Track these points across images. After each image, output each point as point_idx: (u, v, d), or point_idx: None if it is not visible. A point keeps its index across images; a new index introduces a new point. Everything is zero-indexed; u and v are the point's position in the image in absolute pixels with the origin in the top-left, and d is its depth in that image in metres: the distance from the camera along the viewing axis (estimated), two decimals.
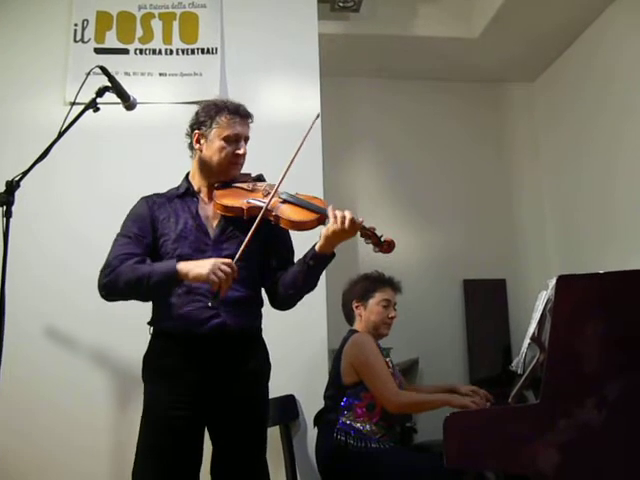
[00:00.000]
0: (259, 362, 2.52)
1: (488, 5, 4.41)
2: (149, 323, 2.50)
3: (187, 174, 2.61)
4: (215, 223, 2.50)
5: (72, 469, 3.24)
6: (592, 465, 2.32)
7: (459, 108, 5.25)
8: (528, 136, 5.31)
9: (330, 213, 2.34)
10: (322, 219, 2.40)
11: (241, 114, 2.53)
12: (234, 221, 2.47)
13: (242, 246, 2.30)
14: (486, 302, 4.96)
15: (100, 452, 3.28)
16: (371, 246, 2.47)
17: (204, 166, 2.53)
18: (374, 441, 2.97)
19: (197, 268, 2.26)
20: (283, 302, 2.54)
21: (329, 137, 3.84)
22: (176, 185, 2.61)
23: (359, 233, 2.41)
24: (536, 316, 2.66)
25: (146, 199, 2.55)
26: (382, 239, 2.46)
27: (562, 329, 2.36)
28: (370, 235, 2.43)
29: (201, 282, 2.28)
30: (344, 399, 3.04)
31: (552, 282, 2.46)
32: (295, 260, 2.52)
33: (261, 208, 2.37)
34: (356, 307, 3.26)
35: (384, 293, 3.26)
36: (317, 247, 2.37)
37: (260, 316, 2.56)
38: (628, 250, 3.93)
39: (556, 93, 5.03)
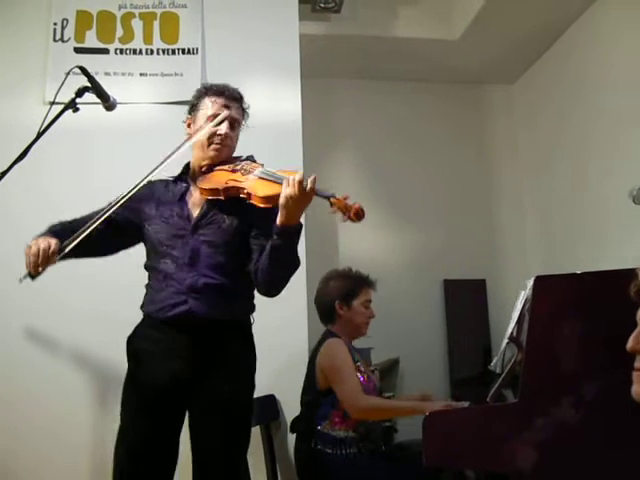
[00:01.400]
0: (233, 353, 2.45)
1: (468, 7, 4.43)
2: (141, 307, 2.52)
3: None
4: (198, 209, 2.47)
5: (55, 465, 3.23)
6: (570, 463, 2.34)
7: (439, 109, 5.28)
8: (508, 137, 5.34)
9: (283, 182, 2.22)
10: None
11: (226, 95, 2.51)
12: (217, 206, 2.44)
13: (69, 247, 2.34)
14: (466, 302, 4.99)
15: (83, 448, 3.27)
16: (342, 217, 2.20)
17: (194, 150, 2.53)
18: (352, 448, 2.95)
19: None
20: (264, 289, 2.44)
21: (310, 138, 3.86)
22: None
23: (330, 204, 2.20)
24: (515, 316, 2.68)
25: (150, 182, 2.51)
26: (349, 205, 2.17)
27: (539, 329, 2.38)
28: (332, 201, 2.20)
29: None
30: (320, 408, 3.02)
31: (530, 282, 2.48)
32: None
33: (236, 188, 2.34)
34: (340, 308, 3.22)
35: (367, 294, 3.25)
36: (277, 220, 2.22)
37: (240, 307, 2.50)
38: (605, 248, 3.97)
39: (535, 95, 5.07)
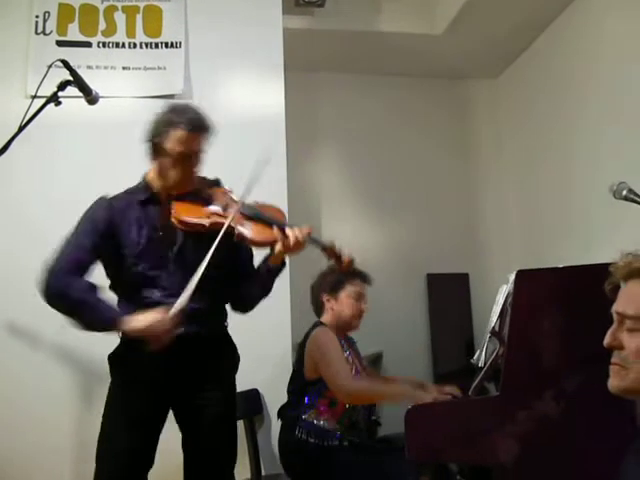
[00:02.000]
0: (223, 363, 2.52)
1: (452, 2, 4.44)
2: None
3: (144, 175, 2.52)
4: (178, 232, 2.42)
5: (36, 467, 3.22)
6: (551, 455, 2.36)
7: (423, 104, 5.28)
8: (491, 132, 5.36)
9: (288, 231, 2.39)
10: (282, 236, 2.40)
11: (200, 129, 2.40)
12: (197, 239, 2.41)
13: (197, 273, 2.23)
14: (449, 296, 5.01)
15: (64, 450, 3.26)
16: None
17: (161, 174, 2.44)
18: (336, 438, 2.96)
19: (141, 325, 2.23)
20: (242, 310, 2.60)
21: (293, 132, 3.85)
22: (135, 183, 2.53)
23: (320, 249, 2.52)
24: (497, 310, 2.70)
25: (106, 202, 2.45)
26: (342, 258, 2.56)
27: (521, 323, 2.40)
28: (327, 252, 2.54)
29: (138, 335, 2.24)
30: (306, 396, 3.02)
31: (512, 276, 2.50)
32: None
33: (223, 224, 2.33)
34: (326, 300, 3.21)
35: (355, 285, 3.23)
36: (270, 261, 2.47)
37: (223, 321, 2.56)
38: (588, 243, 3.99)
39: (519, 89, 5.09)
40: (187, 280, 2.26)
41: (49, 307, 3.02)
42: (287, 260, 2.54)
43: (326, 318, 3.21)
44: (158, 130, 2.39)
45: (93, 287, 2.33)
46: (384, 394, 3.01)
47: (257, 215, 2.43)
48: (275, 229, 2.39)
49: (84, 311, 2.30)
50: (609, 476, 1.52)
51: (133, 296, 2.40)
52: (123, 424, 2.39)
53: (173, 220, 2.37)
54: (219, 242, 2.29)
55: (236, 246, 2.45)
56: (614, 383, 1.45)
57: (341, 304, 3.19)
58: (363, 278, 3.28)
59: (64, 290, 2.31)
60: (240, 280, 2.54)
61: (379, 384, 3.06)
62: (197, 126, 2.38)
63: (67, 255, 2.35)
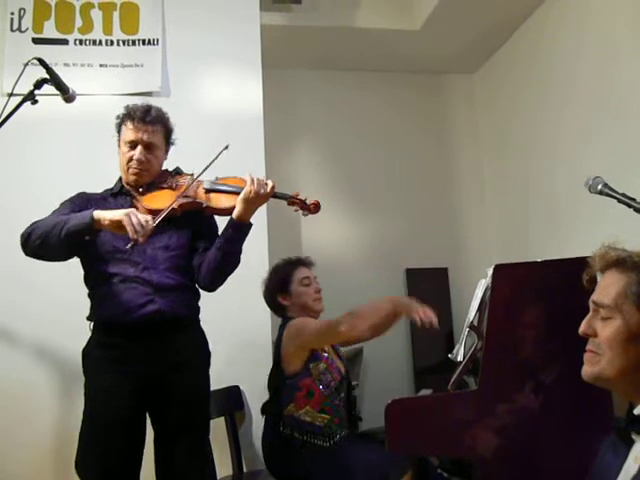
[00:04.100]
0: (196, 351, 2.56)
1: None
2: (88, 318, 2.49)
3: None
4: None
5: (14, 463, 3.20)
6: (529, 447, 2.39)
7: (401, 99, 5.30)
8: (468, 127, 5.39)
9: (247, 180, 2.45)
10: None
11: (140, 120, 2.55)
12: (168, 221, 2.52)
13: (162, 213, 2.37)
14: (428, 291, 5.02)
15: (42, 446, 3.25)
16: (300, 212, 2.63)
17: (121, 167, 2.62)
18: (319, 431, 2.96)
19: (112, 213, 2.30)
20: (208, 281, 2.56)
21: (271, 129, 3.86)
22: (112, 183, 2.67)
23: (287, 202, 2.57)
24: (475, 304, 2.72)
25: (85, 194, 2.61)
26: (307, 202, 2.62)
27: (499, 316, 2.42)
28: (292, 202, 2.59)
29: (116, 227, 2.28)
30: (285, 391, 3.02)
31: (490, 271, 2.52)
32: None
33: (193, 204, 2.51)
34: (283, 300, 3.22)
35: (300, 272, 3.23)
36: (234, 214, 2.45)
37: (196, 306, 2.61)
38: (568, 237, 4.03)
39: (496, 84, 5.12)
40: (159, 255, 2.46)
41: (23, 305, 3.02)
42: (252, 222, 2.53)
43: (292, 314, 3.22)
44: (117, 129, 2.63)
45: None
46: (363, 320, 2.93)
47: (221, 187, 2.56)
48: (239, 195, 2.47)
49: (57, 226, 2.35)
50: (586, 468, 1.54)
51: (103, 271, 2.45)
52: (95, 417, 2.41)
53: (144, 211, 2.46)
54: (184, 220, 2.51)
55: (201, 221, 2.60)
56: (587, 370, 1.49)
57: (297, 296, 3.20)
58: (303, 263, 3.29)
59: (33, 228, 2.40)
60: (204, 253, 2.57)
61: (351, 313, 2.96)
62: (140, 118, 2.54)
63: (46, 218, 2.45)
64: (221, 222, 2.59)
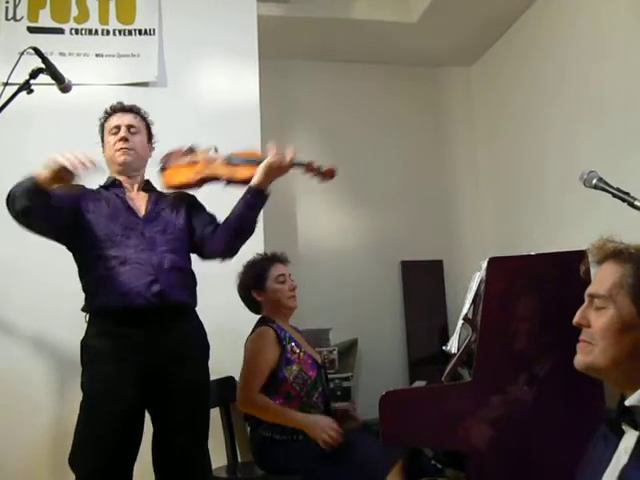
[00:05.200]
0: (197, 342, 2.56)
1: None
2: (83, 309, 2.48)
3: None
4: (143, 205, 2.59)
5: (9, 458, 3.21)
6: (522, 438, 2.41)
7: (398, 91, 5.29)
8: (465, 120, 5.38)
9: (270, 150, 2.55)
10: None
11: (120, 109, 2.67)
12: (160, 201, 2.62)
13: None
14: (424, 283, 5.04)
15: (38, 440, 3.26)
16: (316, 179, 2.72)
17: (109, 167, 2.66)
18: (301, 434, 2.94)
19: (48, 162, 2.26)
20: (225, 246, 2.60)
21: (267, 119, 3.85)
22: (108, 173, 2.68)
23: (302, 170, 2.64)
24: (470, 297, 2.73)
25: (82, 186, 2.58)
26: (322, 169, 2.70)
27: (493, 309, 2.43)
28: (309, 169, 2.66)
29: (57, 176, 2.24)
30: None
31: (485, 264, 2.53)
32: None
33: (212, 177, 2.58)
34: (257, 295, 3.21)
35: (275, 269, 3.23)
36: (255, 181, 2.51)
37: (195, 293, 2.60)
38: (563, 229, 4.04)
39: (492, 77, 5.12)
40: (158, 237, 2.50)
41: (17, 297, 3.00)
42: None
43: (266, 311, 3.22)
44: (100, 131, 2.71)
45: None
46: (280, 418, 2.95)
47: (236, 160, 2.62)
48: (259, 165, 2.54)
49: (18, 186, 2.32)
50: (578, 458, 1.55)
51: (101, 254, 2.43)
52: (94, 409, 2.39)
53: (167, 187, 2.63)
54: (173, 199, 2.62)
55: (190, 205, 2.67)
56: (580, 359, 1.51)
57: (272, 293, 3.20)
58: (279, 260, 3.29)
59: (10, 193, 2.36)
60: (204, 228, 2.63)
61: (281, 408, 3.01)
62: (120, 108, 2.67)
63: None
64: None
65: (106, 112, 2.68)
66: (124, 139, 2.59)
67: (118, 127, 2.61)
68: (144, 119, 2.72)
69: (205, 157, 2.62)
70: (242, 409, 3.05)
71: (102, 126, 2.68)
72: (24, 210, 2.29)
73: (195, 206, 2.69)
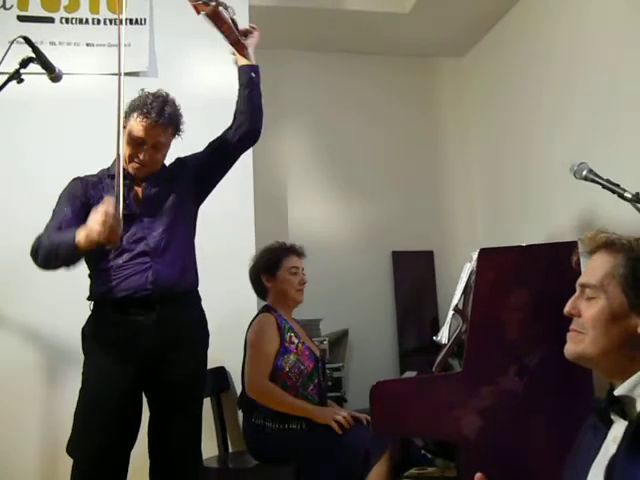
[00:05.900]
0: (197, 329, 2.60)
1: None
2: (88, 298, 2.50)
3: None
4: (140, 190, 2.57)
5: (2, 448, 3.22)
6: (512, 429, 2.42)
7: (390, 82, 5.28)
8: (457, 111, 5.37)
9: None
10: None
11: (156, 122, 2.50)
12: (158, 187, 2.58)
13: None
14: (414, 273, 5.05)
15: (32, 434, 3.27)
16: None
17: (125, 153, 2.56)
18: (293, 420, 2.98)
19: (83, 231, 2.23)
20: (253, 117, 2.80)
21: None
22: (103, 162, 2.63)
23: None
24: (460, 287, 2.74)
25: (80, 179, 2.57)
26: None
27: (483, 300, 2.44)
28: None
29: (92, 243, 2.23)
30: None
31: (475, 255, 2.54)
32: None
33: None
34: (267, 281, 3.26)
35: (290, 261, 3.27)
36: (254, 60, 2.85)
37: (196, 273, 2.62)
38: (546, 220, 4.05)
39: (484, 68, 5.11)
40: (156, 223, 2.49)
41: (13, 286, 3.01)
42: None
43: (271, 299, 3.25)
44: (127, 109, 2.52)
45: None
46: (287, 405, 2.99)
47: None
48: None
49: (54, 252, 2.33)
50: (567, 448, 1.56)
51: (104, 249, 2.42)
52: (94, 395, 2.42)
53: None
54: (170, 176, 2.64)
55: (197, 166, 2.70)
56: (570, 348, 1.52)
57: (282, 282, 3.23)
58: (296, 252, 3.31)
59: (37, 245, 2.38)
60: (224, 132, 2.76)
61: (286, 395, 3.03)
62: (154, 120, 2.48)
63: (51, 224, 2.44)
64: None
65: (140, 108, 2.51)
66: (144, 163, 2.53)
67: (141, 141, 2.49)
68: (176, 126, 2.62)
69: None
70: (252, 396, 3.05)
71: (129, 112, 2.52)
72: (56, 269, 2.38)
73: (197, 158, 2.72)
